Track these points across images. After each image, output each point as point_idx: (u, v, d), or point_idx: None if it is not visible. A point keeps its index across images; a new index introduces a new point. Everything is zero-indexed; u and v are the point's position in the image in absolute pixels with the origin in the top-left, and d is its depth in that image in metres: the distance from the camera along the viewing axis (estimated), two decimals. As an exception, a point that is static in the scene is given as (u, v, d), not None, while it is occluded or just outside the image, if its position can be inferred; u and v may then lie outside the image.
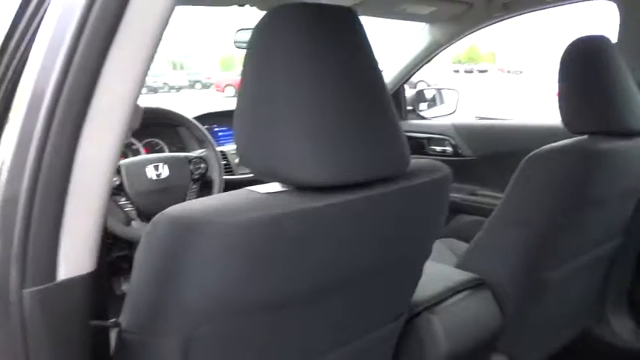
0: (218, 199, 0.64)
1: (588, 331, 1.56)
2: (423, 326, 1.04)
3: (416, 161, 0.81)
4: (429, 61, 2.02)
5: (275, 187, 0.65)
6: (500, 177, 1.39)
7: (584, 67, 1.13)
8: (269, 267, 0.62)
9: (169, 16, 0.51)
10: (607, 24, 1.49)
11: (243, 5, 1.38)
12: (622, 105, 1.13)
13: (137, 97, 0.53)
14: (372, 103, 0.68)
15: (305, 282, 0.68)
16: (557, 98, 1.17)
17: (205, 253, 0.58)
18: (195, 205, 0.62)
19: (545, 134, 1.33)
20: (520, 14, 1.69)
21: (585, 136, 1.15)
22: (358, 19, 0.69)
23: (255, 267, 0.61)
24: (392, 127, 0.70)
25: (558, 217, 1.12)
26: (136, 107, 0.55)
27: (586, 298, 1.49)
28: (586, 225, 1.21)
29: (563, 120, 1.17)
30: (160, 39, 0.52)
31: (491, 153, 1.95)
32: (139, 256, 0.63)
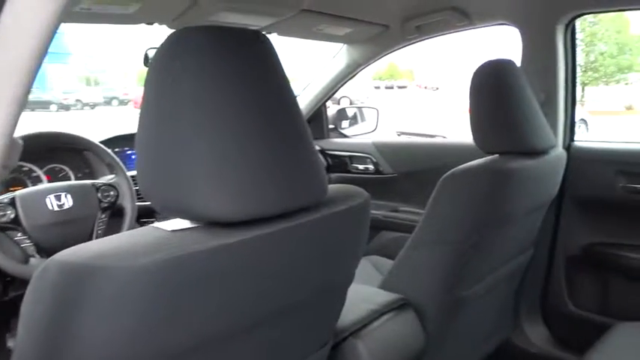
0: (117, 239, 0.58)
1: (507, 341, 1.62)
2: (348, 352, 1.01)
3: (335, 187, 0.79)
4: (350, 79, 2.04)
5: (183, 223, 0.60)
6: (421, 193, 1.42)
7: (493, 89, 1.18)
8: (176, 313, 0.56)
9: (47, 39, 0.45)
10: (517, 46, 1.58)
11: (151, 24, 1.31)
12: (528, 126, 1.19)
13: (11, 132, 0.46)
14: (287, 129, 0.65)
15: (221, 323, 0.63)
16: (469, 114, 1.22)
17: (101, 302, 0.51)
18: (90, 247, 0.55)
19: (461, 151, 1.37)
20: (433, 37, 1.75)
21: (496, 156, 1.20)
22: (268, 42, 0.66)
23: (159, 315, 0.55)
24: (308, 153, 0.67)
25: (474, 235, 1.15)
26: (12, 143, 0.48)
27: (503, 310, 1.55)
28: (500, 241, 1.25)
29: (475, 140, 1.21)
30: (36, 65, 0.45)
31: (411, 170, 2.00)
32: (26, 307, 0.55)
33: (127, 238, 0.57)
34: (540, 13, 1.47)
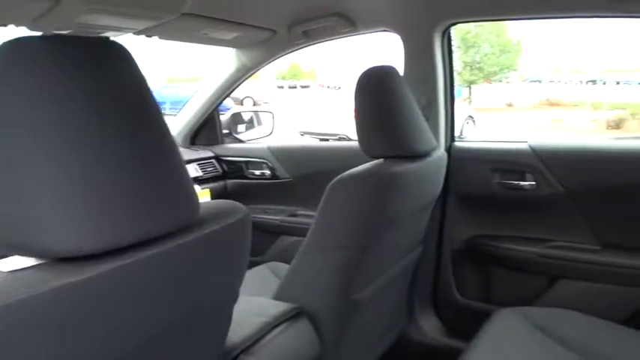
0: None
1: (402, 334, 1.68)
2: None
3: (213, 204, 0.76)
4: (240, 84, 2.00)
5: (25, 261, 0.53)
6: (317, 197, 1.42)
7: (375, 96, 1.21)
8: None
9: None
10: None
11: (5, 25, 1.16)
12: (411, 131, 1.23)
13: None
14: (147, 146, 0.59)
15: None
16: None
17: None
18: None
19: (354, 154, 1.39)
20: (321, 42, 1.77)
21: (381, 160, 1.23)
22: (123, 50, 0.60)
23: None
24: (174, 172, 0.62)
25: (364, 239, 1.17)
26: None
27: (398, 306, 1.60)
28: (390, 242, 1.29)
29: (360, 146, 1.24)
30: None
31: (306, 173, 2.01)
32: None
33: None
34: (418, 21, 1.54)
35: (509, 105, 16.27)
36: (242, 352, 0.99)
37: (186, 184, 0.63)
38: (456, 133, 1.74)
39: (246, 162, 2.14)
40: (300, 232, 1.96)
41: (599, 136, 10.28)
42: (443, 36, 1.57)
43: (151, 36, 1.46)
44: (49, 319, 0.49)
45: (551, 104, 15.83)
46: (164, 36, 1.51)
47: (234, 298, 0.84)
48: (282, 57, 1.92)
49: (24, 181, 0.50)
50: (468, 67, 15.19)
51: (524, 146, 1.58)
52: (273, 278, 1.62)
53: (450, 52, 1.63)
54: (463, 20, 1.57)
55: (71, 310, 0.52)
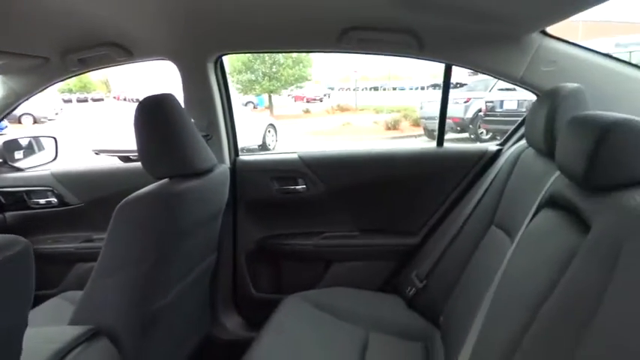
0: None
1: (209, 335, 1.82)
2: None
3: None
4: (11, 112, 1.89)
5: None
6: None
7: (155, 122, 1.31)
8: None
9: None
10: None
11: None
12: (191, 151, 1.37)
13: None
14: None
15: None
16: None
17: None
18: None
19: (142, 174, 1.45)
20: (98, 69, 1.79)
21: (166, 180, 1.35)
22: None
23: None
24: None
25: (154, 253, 1.27)
26: None
27: (201, 309, 1.73)
28: (182, 253, 1.41)
29: (144, 168, 1.33)
30: None
31: (96, 197, 1.99)
32: None
33: None
34: (192, 52, 1.69)
35: (306, 112, 17.66)
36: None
37: None
38: (259, 142, 1.94)
39: (28, 191, 2.02)
40: (97, 256, 1.94)
41: (380, 135, 11.88)
42: (215, 64, 1.76)
43: None
44: None
45: (342, 110, 17.70)
46: None
47: (21, 325, 0.88)
48: (56, 84, 1.87)
49: None
50: (267, 77, 16.00)
51: (294, 156, 1.86)
52: (69, 307, 1.59)
53: (225, 77, 1.82)
54: (231, 52, 1.78)
55: None
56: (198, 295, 1.67)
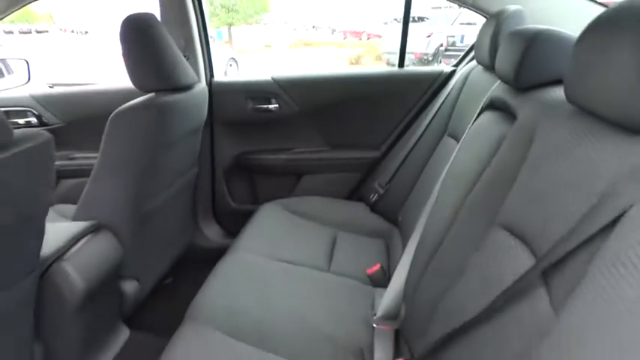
0: None
1: (190, 242, 2.01)
2: (57, 274, 1.17)
3: (19, 132, 0.92)
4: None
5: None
6: (93, 139, 1.56)
7: (139, 39, 1.40)
8: None
9: None
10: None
11: None
12: (174, 67, 1.48)
13: None
14: None
15: None
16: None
17: None
18: None
19: (125, 95, 1.56)
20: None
21: (153, 94, 1.46)
22: None
23: None
24: None
25: (146, 159, 1.41)
26: None
27: (184, 218, 1.91)
28: (169, 161, 1.56)
29: (133, 83, 1.44)
30: None
31: (79, 118, 2.07)
32: None
33: None
34: None
35: (268, 46, 17.23)
36: (55, 260, 1.19)
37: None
38: (220, 75, 2.04)
39: (6, 112, 2.07)
40: (80, 173, 2.05)
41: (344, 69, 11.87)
42: (191, -15, 1.82)
43: None
44: None
45: (305, 44, 17.36)
46: None
47: (45, 210, 1.03)
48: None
49: None
50: (225, 10, 15.41)
51: (268, 78, 1.99)
52: (60, 218, 1.73)
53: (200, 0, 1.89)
54: None
55: None
56: (182, 204, 1.84)
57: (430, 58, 8.60)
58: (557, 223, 0.65)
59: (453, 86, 1.69)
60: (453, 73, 1.89)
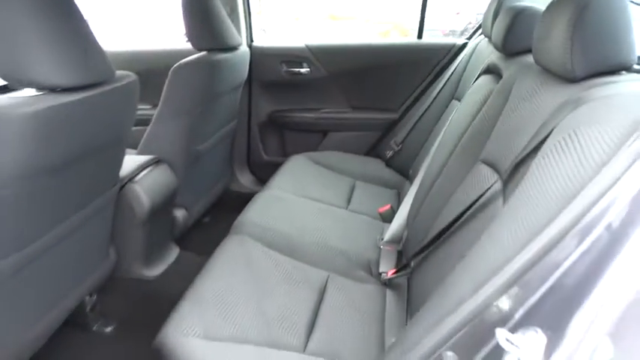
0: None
1: (227, 188, 2.31)
2: (130, 192, 1.48)
3: (118, 72, 1.19)
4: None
5: (32, 92, 0.95)
6: (150, 92, 1.82)
7: (199, 5, 1.66)
8: (53, 140, 0.94)
9: None
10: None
11: None
12: (224, 30, 1.75)
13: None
14: (84, 27, 1.02)
15: (73, 147, 1.02)
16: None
17: (8, 134, 0.86)
18: None
19: (173, 55, 1.83)
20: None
21: (205, 52, 1.74)
22: None
23: (44, 141, 0.92)
24: (97, 43, 1.06)
25: (199, 107, 1.70)
26: None
27: (223, 164, 2.20)
28: (215, 111, 1.85)
29: (190, 40, 1.71)
30: None
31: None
32: None
33: (4, 100, 0.90)
34: None
35: (297, 19, 17.26)
36: (129, 181, 1.49)
37: (102, 51, 1.08)
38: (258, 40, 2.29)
39: None
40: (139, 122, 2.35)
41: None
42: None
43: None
44: (58, 119, 0.94)
45: (333, 18, 17.36)
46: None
47: (128, 138, 1.32)
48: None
49: (24, 35, 0.91)
50: (256, -20, 15.48)
51: (301, 45, 2.24)
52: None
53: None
54: None
55: (66, 116, 0.97)
56: (222, 152, 2.13)
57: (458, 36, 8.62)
58: (515, 149, 0.90)
59: (463, 57, 1.92)
60: (464, 45, 2.11)
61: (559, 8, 0.86)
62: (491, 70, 1.36)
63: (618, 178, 0.54)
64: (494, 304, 0.59)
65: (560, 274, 0.53)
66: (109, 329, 1.56)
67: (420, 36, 2.22)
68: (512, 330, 0.55)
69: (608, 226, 0.51)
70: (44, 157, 0.95)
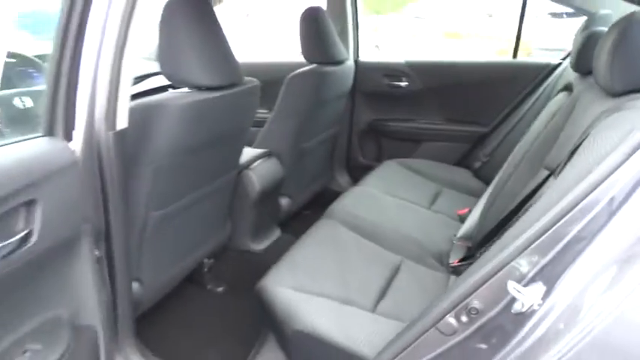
0: (164, 95, 1.25)
1: (325, 187, 2.59)
2: (246, 178, 1.81)
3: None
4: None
5: (186, 89, 1.30)
6: (268, 98, 2.15)
7: (315, 25, 1.97)
8: (197, 127, 1.28)
9: None
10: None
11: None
12: (333, 46, 2.04)
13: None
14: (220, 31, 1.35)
15: (210, 133, 1.35)
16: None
17: (165, 121, 1.21)
18: (153, 98, 1.23)
19: (285, 68, 2.16)
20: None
21: (315, 65, 2.04)
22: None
23: (191, 127, 1.26)
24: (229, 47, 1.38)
25: (308, 112, 1.99)
26: None
27: (323, 164, 2.49)
28: (321, 115, 2.13)
29: (303, 54, 2.03)
30: None
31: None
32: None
33: (168, 95, 1.25)
34: None
35: (414, 36, 17.33)
36: (245, 168, 1.82)
37: (236, 60, 1.40)
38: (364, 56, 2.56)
39: None
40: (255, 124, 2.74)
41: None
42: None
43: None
44: (206, 110, 1.28)
45: (449, 36, 17.16)
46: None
47: (249, 130, 1.64)
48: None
49: (187, 49, 1.25)
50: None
51: (402, 61, 2.47)
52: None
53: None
54: None
55: (210, 108, 1.30)
56: (324, 152, 2.42)
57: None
58: (566, 151, 1.06)
59: (554, 75, 2.01)
60: (559, 65, 2.19)
61: (610, 32, 1.01)
62: (567, 88, 1.48)
63: (617, 166, 0.69)
64: (512, 263, 0.77)
65: (566, 241, 0.70)
66: (220, 289, 1.89)
67: (515, 55, 2.33)
68: (523, 284, 0.73)
69: (610, 202, 0.66)
70: (188, 138, 1.28)
